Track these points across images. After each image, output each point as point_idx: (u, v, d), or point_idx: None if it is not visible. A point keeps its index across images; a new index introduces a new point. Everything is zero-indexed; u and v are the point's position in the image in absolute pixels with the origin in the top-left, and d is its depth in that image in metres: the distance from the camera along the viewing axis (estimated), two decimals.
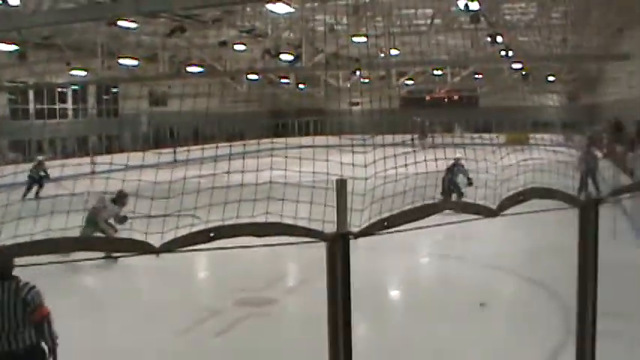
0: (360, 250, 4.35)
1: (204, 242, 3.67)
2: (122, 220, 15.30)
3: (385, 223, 3.80)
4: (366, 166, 4.93)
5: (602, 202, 5.14)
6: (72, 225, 4.59)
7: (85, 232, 13.78)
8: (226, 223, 3.70)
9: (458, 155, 18.95)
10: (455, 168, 20.77)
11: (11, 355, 5.90)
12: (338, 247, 3.69)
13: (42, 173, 27.02)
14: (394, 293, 14.30)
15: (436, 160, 4.98)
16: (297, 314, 12.05)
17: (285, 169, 5.11)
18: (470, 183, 20.08)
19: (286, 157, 5.31)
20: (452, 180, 21.11)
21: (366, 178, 4.88)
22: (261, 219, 3.76)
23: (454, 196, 20.51)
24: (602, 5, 28.51)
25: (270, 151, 6.45)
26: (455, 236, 17.28)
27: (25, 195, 25.26)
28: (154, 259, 3.87)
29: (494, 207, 4.29)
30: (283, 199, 4.54)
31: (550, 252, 14.80)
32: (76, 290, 13.75)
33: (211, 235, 3.64)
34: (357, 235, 3.73)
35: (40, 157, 29.65)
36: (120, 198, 15.18)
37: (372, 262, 13.91)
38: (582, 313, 5.06)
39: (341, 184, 3.70)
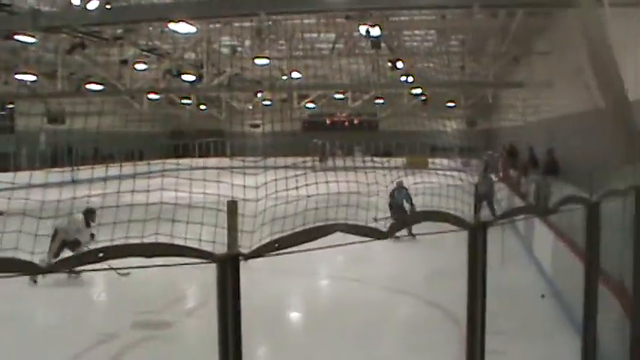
0: (257, 271, 4.34)
1: (93, 262, 3.61)
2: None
3: (276, 245, 3.82)
4: (257, 187, 4.95)
5: (490, 224, 5.28)
6: None
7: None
8: (115, 243, 3.66)
9: (400, 179, 18.59)
10: (395, 192, 20.16)
11: None
12: (228, 268, 3.68)
13: None
14: (291, 315, 14.29)
15: (327, 182, 5.02)
16: (195, 337, 11.92)
17: (176, 190, 5.09)
18: (412, 207, 19.31)
19: (177, 177, 5.29)
20: (396, 204, 20.33)
21: (258, 200, 4.90)
22: (151, 239, 3.72)
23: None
24: (498, 35, 29.36)
25: (162, 172, 6.41)
26: (353, 258, 17.39)
27: None
28: (45, 280, 3.79)
29: (384, 229, 4.36)
30: (173, 220, 4.51)
31: (446, 273, 15.08)
32: None
33: (100, 255, 3.58)
34: (247, 257, 3.73)
35: None
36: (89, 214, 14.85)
37: (270, 284, 13.91)
38: (472, 332, 5.18)
39: (232, 206, 3.70)
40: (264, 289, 13.16)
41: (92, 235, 14.94)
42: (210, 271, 3.83)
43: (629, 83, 8.18)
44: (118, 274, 11.84)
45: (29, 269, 3.57)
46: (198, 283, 15.04)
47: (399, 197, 20.50)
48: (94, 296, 15.31)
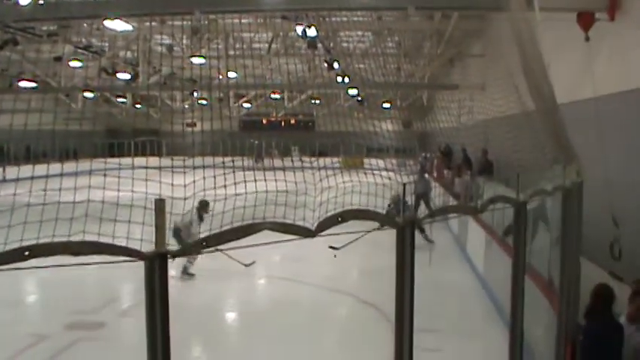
0: (195, 271, 4.32)
1: (19, 261, 3.58)
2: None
3: (204, 243, 3.84)
4: (185, 186, 4.97)
5: (419, 223, 5.37)
6: None
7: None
8: (41, 241, 3.64)
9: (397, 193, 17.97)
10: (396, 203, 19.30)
11: None
12: (156, 266, 3.69)
13: None
14: (228, 315, 14.28)
15: (255, 181, 5.06)
16: (129, 337, 11.82)
17: (104, 189, 5.08)
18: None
19: (105, 175, 5.28)
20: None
21: (185, 198, 4.92)
22: (78, 238, 3.71)
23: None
24: (433, 37, 29.71)
25: (94, 171, 6.39)
26: (290, 258, 17.42)
27: None
28: None
29: (312, 228, 4.40)
30: (101, 218, 4.51)
31: (378, 272, 15.21)
32: None
33: (26, 253, 3.56)
34: (175, 255, 3.74)
35: None
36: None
37: (204, 284, 13.90)
38: (400, 330, 5.26)
39: (159, 204, 3.71)
40: (198, 289, 13.15)
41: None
42: (142, 270, 3.84)
43: (558, 86, 8.37)
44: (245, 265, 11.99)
45: None
46: (131, 283, 14.92)
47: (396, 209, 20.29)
48: (25, 297, 15.10)
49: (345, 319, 13.52)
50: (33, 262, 3.51)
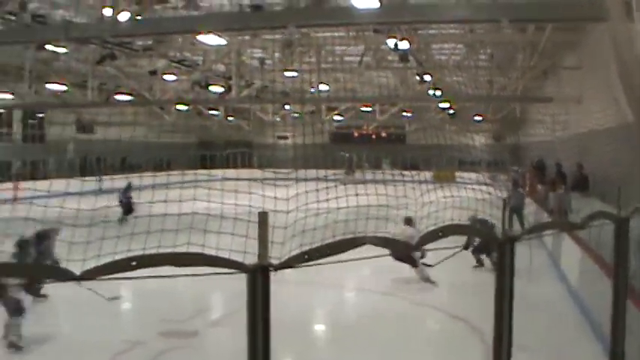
0: (285, 283, 4.37)
1: (125, 271, 3.66)
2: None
3: (305, 256, 3.85)
4: (288, 199, 4.99)
5: (518, 239, 5.28)
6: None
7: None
8: (148, 252, 3.71)
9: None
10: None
11: None
12: (258, 278, 3.72)
13: None
14: (318, 327, 14.30)
15: (357, 195, 5.06)
16: (221, 347, 11.96)
17: (209, 201, 5.15)
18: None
19: (209, 189, 5.35)
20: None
21: (288, 212, 4.94)
22: (182, 249, 3.77)
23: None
24: (526, 49, 29.27)
25: (194, 182, 6.46)
26: (382, 271, 17.34)
27: None
28: (75, 288, 3.86)
29: (412, 243, 4.38)
30: (205, 230, 4.57)
31: (474, 288, 15.04)
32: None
33: (133, 264, 3.64)
34: (277, 267, 3.77)
35: None
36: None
37: (297, 296, 13.95)
38: (498, 347, 5.18)
39: (263, 217, 3.75)
40: (292, 301, 13.20)
41: None
42: (235, 281, 3.87)
43: None
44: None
45: (64, 275, 3.63)
46: (224, 294, 15.07)
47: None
48: (121, 304, 15.42)
49: (435, 333, 13.39)
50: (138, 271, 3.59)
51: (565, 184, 22.33)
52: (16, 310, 11.07)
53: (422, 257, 16.34)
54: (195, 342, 11.94)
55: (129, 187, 27.18)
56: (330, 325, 14.30)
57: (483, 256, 17.69)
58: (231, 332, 10.01)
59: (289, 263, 3.86)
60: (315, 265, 3.90)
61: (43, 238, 14.09)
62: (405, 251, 3.97)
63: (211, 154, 58.01)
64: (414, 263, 16.28)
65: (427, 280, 16.48)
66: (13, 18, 23.37)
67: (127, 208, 26.21)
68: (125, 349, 11.22)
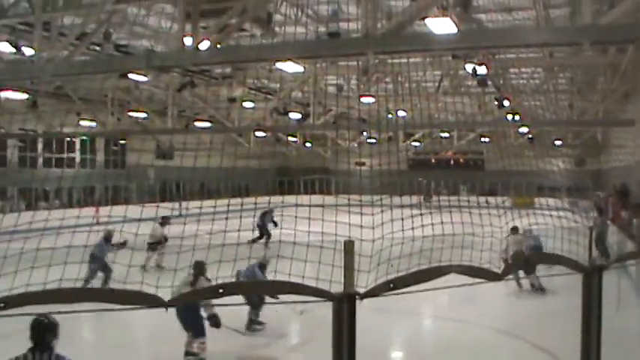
0: (363, 310, 4.36)
1: (212, 298, 3.71)
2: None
3: (391, 285, 3.85)
4: (374, 228, 5.00)
5: (606, 268, 5.17)
6: (82, 275, 4.60)
7: None
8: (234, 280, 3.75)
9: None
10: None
11: None
12: (344, 307, 3.73)
13: None
14: (399, 355, 14.22)
15: (442, 223, 5.04)
16: None
17: (295, 230, 5.18)
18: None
19: (296, 217, 5.39)
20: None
21: (374, 240, 4.95)
22: (269, 277, 3.81)
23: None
24: (607, 72, 28.78)
25: (280, 208, 6.48)
26: (460, 299, 17.16)
27: None
28: (160, 312, 3.92)
29: (498, 271, 4.34)
30: (292, 258, 4.60)
31: (555, 317, 14.76)
32: (76, 341, 13.76)
33: (220, 291, 3.68)
34: (363, 296, 3.78)
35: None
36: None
37: (376, 323, 13.88)
38: None
39: (349, 246, 3.76)
40: (374, 328, 13.14)
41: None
42: (314, 307, 3.87)
43: None
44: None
45: (153, 301, 3.70)
46: (300, 321, 15.09)
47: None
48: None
49: None
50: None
51: None
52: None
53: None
54: None
55: (268, 212, 28.00)
56: (404, 354, 14.19)
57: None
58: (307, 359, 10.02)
59: (375, 292, 3.87)
60: (400, 294, 3.89)
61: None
62: (492, 278, 3.93)
63: (289, 180, 58.34)
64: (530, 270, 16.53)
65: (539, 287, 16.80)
66: (97, 48, 24.01)
67: (262, 232, 27.14)
68: None
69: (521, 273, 17.59)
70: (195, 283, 12.48)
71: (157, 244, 19.99)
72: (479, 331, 14.75)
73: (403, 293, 3.92)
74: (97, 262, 16.85)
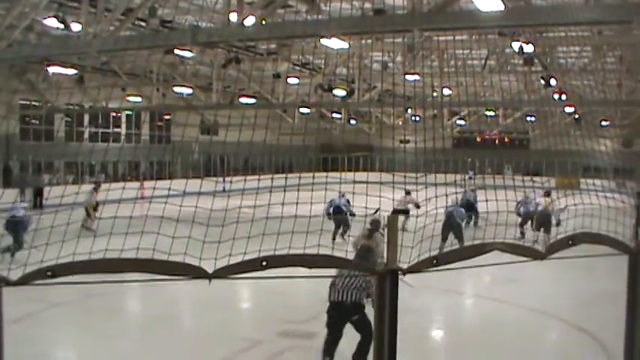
0: (402, 287, 4.35)
1: (256, 270, 3.74)
2: None
3: (435, 261, 3.84)
4: (418, 206, 4.98)
5: None
6: (127, 246, 4.69)
7: None
8: (278, 253, 3.78)
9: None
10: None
11: None
12: (387, 282, 3.74)
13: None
14: (438, 333, 14.18)
15: (487, 201, 5.01)
16: (339, 349, 12.00)
17: (347, 204, 5.15)
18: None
19: (340, 192, 5.39)
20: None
21: (417, 216, 4.93)
22: (313, 250, 3.82)
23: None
24: None
25: (324, 184, 6.48)
26: (503, 278, 17.07)
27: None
28: (202, 285, 3.96)
29: (542, 250, 4.31)
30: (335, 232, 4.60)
31: (598, 298, 14.65)
32: (122, 312, 14.02)
33: (263, 264, 3.71)
34: (405, 272, 3.78)
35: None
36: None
37: (417, 300, 13.87)
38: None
39: (392, 221, 3.76)
40: (415, 305, 13.14)
41: None
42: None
43: None
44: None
45: (197, 273, 3.74)
46: None
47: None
48: (242, 302, 15.77)
49: (556, 344, 13.10)
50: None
51: None
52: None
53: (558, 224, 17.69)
54: (314, 343, 11.98)
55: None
56: (444, 332, 14.15)
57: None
58: (348, 334, 10.05)
59: (418, 267, 3.87)
60: (443, 270, 3.89)
61: None
62: (536, 257, 3.89)
63: (333, 157, 58.28)
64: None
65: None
66: (142, 24, 24.14)
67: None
68: (245, 347, 11.45)
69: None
70: (371, 237, 12.89)
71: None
72: (520, 312, 14.68)
73: (445, 270, 3.91)
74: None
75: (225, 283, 4.11)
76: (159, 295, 14.29)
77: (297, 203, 5.26)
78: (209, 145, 47.02)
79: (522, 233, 22.27)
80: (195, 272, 3.77)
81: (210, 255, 4.36)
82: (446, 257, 3.86)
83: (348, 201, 22.10)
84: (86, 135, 43.63)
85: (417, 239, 4.33)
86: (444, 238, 17.87)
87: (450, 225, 18.77)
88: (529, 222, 23.59)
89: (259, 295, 15.65)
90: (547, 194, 23.41)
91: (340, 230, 22.08)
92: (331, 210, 21.81)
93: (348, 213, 21.67)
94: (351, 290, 8.64)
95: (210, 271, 3.86)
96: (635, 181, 32.42)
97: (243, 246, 4.18)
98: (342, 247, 4.17)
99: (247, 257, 3.79)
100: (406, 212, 20.44)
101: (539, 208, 21.94)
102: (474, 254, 3.90)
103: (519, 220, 22.77)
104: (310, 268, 3.67)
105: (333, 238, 20.36)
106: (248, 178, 9.88)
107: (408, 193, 22.98)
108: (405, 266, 3.82)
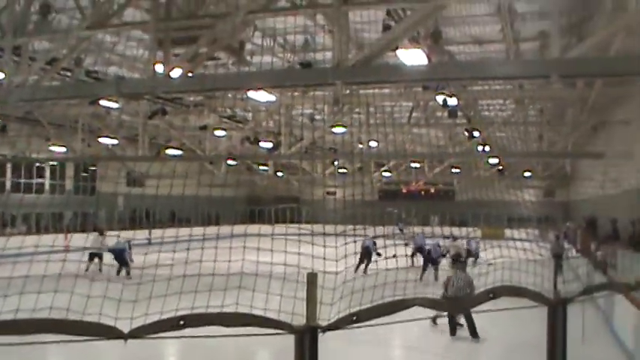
0: (335, 341, 4.29)
1: (173, 330, 3.65)
2: None
3: (354, 318, 3.81)
4: (337, 260, 4.96)
5: (571, 301, 5.17)
6: (42, 306, 4.55)
7: None
8: (195, 311, 3.70)
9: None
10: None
11: None
12: (306, 339, 3.68)
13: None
14: None
15: (406, 256, 5.00)
16: None
17: (257, 261, 5.14)
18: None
19: (258, 248, 5.35)
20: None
21: (337, 273, 4.91)
22: (231, 309, 3.76)
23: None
24: (576, 105, 29.07)
25: (243, 237, 6.42)
26: (429, 330, 17.09)
27: None
28: (121, 344, 3.85)
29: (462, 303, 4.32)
30: (254, 290, 4.55)
31: (522, 349, 14.76)
32: None
33: (181, 323, 3.63)
34: (325, 329, 3.73)
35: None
36: None
37: (348, 355, 13.79)
38: None
39: (311, 278, 3.72)
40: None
41: None
42: (279, 339, 3.82)
43: None
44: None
45: (112, 333, 3.64)
46: (268, 352, 14.95)
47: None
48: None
49: None
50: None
51: (618, 241, 21.92)
52: None
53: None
54: None
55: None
56: None
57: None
58: None
59: (337, 325, 3.83)
60: (364, 327, 3.85)
61: None
62: (455, 311, 3.87)
63: (259, 208, 58.23)
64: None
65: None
66: (68, 74, 23.90)
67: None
68: None
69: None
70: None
71: None
72: None
73: (367, 326, 3.87)
74: None
75: (145, 343, 4.00)
76: (74, 355, 13.86)
77: (214, 261, 5.20)
78: (135, 197, 46.60)
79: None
80: (110, 333, 3.66)
81: (126, 314, 4.26)
82: (366, 313, 3.83)
83: (374, 242, 25.98)
84: (8, 186, 42.71)
85: (337, 296, 4.31)
86: None
87: None
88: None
89: (180, 353, 15.31)
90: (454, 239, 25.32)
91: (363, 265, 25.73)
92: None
93: (374, 252, 25.48)
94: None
95: (126, 330, 3.75)
96: (556, 230, 32.99)
97: (160, 304, 4.08)
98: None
99: (165, 316, 3.70)
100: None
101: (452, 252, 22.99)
102: (394, 310, 3.88)
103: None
104: (228, 326, 3.59)
105: (355, 270, 23.56)
106: (169, 232, 9.76)
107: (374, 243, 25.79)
108: (324, 323, 3.77)
